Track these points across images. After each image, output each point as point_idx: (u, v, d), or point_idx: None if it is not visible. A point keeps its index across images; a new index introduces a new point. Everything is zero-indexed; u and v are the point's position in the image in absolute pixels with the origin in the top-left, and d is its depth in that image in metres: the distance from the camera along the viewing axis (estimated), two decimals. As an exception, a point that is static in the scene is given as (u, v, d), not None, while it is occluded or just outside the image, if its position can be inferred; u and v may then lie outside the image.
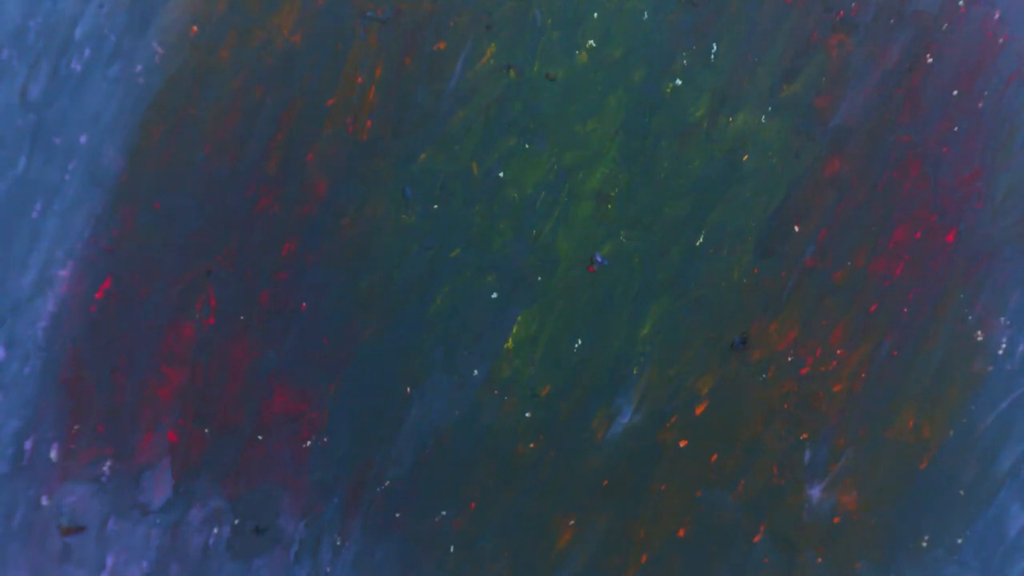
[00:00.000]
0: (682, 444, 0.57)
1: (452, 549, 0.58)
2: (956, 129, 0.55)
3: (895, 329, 0.57)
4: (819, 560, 0.58)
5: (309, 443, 0.57)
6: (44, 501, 0.57)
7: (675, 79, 0.55)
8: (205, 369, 0.57)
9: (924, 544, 0.58)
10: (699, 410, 0.57)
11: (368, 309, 0.56)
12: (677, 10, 0.54)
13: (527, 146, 0.55)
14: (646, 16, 0.54)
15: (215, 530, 0.58)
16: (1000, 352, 0.56)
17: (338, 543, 0.58)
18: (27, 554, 0.58)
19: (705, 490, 0.58)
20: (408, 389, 0.57)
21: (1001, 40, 0.55)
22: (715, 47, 0.55)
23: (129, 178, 0.56)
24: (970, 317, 0.56)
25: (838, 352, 0.57)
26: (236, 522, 0.58)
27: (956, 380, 0.57)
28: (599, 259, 0.56)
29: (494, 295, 0.56)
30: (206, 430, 0.57)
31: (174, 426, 0.57)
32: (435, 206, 0.56)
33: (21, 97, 0.55)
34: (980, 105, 0.55)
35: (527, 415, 0.57)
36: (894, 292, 0.56)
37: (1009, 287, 0.56)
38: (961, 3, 0.54)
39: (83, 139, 0.56)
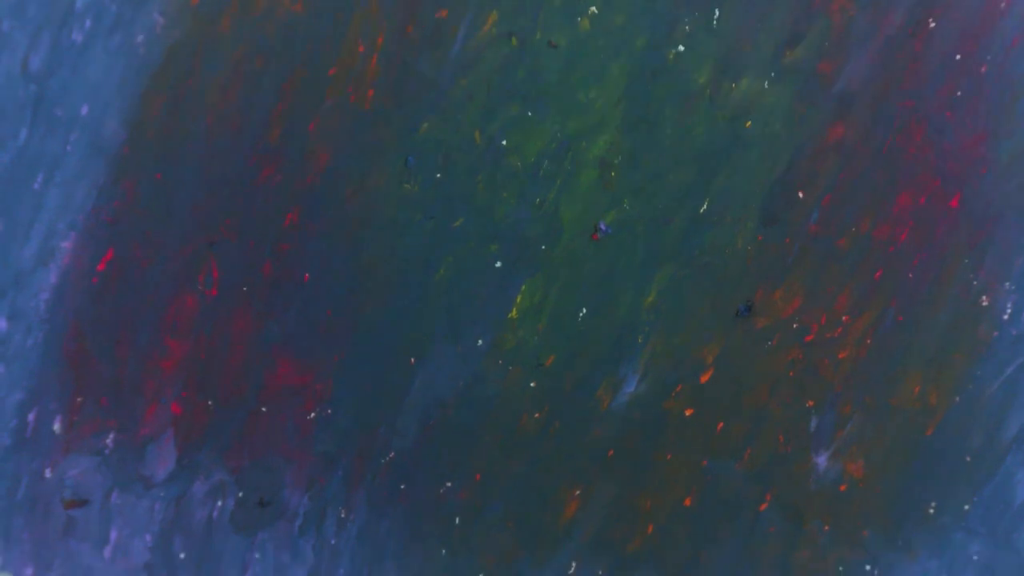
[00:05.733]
0: (688, 413, 0.57)
1: (457, 520, 0.58)
2: (959, 94, 0.55)
3: (900, 295, 0.56)
4: (826, 528, 0.58)
5: (313, 415, 0.57)
6: (47, 474, 0.57)
7: (677, 45, 0.55)
8: (208, 341, 0.57)
9: (931, 511, 0.58)
10: (704, 378, 0.57)
11: (371, 279, 0.56)
12: (679, -25, 0.54)
13: (530, 114, 0.55)
14: (648, -19, 0.54)
15: (219, 503, 0.58)
16: (1005, 317, 0.56)
17: (343, 515, 0.58)
18: (30, 527, 0.58)
19: (711, 459, 0.57)
20: (412, 360, 0.57)
21: (1004, 4, 0.54)
22: (717, 13, 0.54)
23: (131, 149, 0.56)
24: (975, 282, 0.56)
25: (843, 319, 0.56)
26: (240, 495, 0.58)
27: (961, 346, 0.57)
28: (603, 227, 0.56)
29: (498, 264, 0.56)
30: (209, 402, 0.57)
31: (177, 398, 0.57)
32: (438, 175, 0.56)
33: (22, 68, 0.55)
34: (983, 70, 0.55)
35: (532, 385, 0.57)
36: (898, 258, 0.56)
37: (1014, 252, 0.56)
38: (964, -35, 0.54)
39: (84, 110, 0.55)
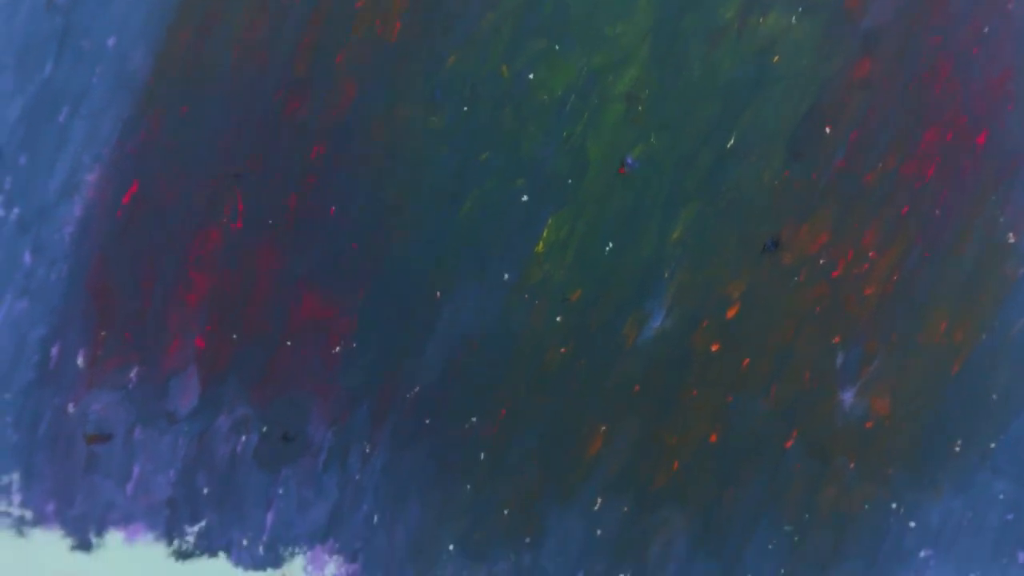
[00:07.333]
0: (713, 348, 0.57)
1: (482, 456, 0.58)
2: (987, 30, 0.55)
3: (927, 231, 0.56)
4: (851, 465, 0.57)
5: (338, 349, 0.57)
6: (70, 409, 0.57)
7: (706, -23, 0.55)
8: (233, 275, 0.56)
9: (957, 449, 0.57)
10: (731, 313, 0.57)
11: (397, 213, 0.56)
12: (709, -94, 0.54)
13: (557, 48, 0.55)
14: (678, -89, 0.54)
15: (242, 438, 0.58)
16: (1032, 254, 0.56)
17: (367, 451, 0.58)
18: (53, 463, 0.57)
19: (737, 395, 0.57)
20: (438, 294, 0.57)
21: (1031, -61, 0.55)
22: (746, -54, 0.54)
23: (156, 81, 0.55)
24: (1001, 219, 0.56)
25: (870, 255, 0.56)
26: (264, 430, 0.58)
27: (988, 283, 0.57)
28: (630, 161, 0.56)
29: (524, 198, 0.56)
30: (234, 336, 0.57)
31: (201, 332, 0.57)
32: (464, 109, 0.56)
33: (49, 0, 0.55)
34: (1010, 6, 0.55)
35: (557, 320, 0.57)
36: (925, 194, 0.56)
37: (1040, 188, 0.56)
38: None
39: (111, 42, 0.55)
